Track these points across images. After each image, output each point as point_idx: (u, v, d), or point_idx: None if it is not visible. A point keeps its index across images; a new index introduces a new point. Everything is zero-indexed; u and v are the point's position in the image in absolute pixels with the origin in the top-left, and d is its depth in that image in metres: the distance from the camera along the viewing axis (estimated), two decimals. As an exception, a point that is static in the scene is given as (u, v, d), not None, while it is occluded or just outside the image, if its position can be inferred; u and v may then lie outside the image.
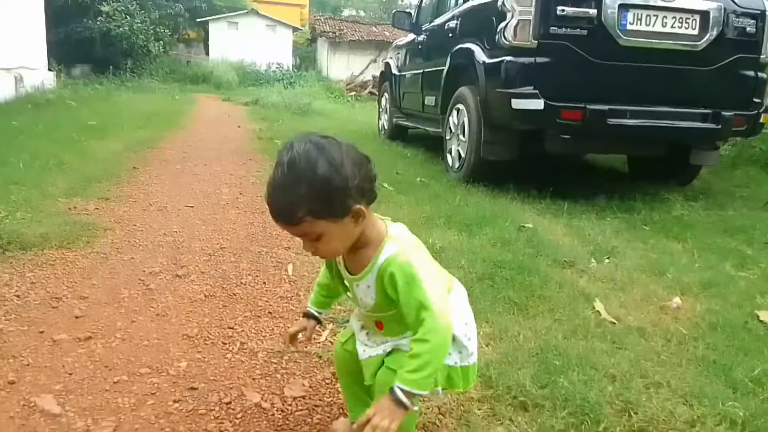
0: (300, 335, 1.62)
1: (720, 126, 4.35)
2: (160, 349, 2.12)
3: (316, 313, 1.63)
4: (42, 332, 2.18)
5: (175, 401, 1.79)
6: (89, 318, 2.32)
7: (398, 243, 1.34)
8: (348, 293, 1.50)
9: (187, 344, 2.16)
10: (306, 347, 2.09)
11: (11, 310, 2.33)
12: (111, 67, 20.58)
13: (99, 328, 2.24)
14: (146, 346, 2.13)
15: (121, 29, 21.05)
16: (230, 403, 1.80)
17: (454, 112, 5.34)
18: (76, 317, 2.31)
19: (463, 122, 5.07)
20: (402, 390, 1.23)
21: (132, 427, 1.66)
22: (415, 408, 1.28)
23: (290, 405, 1.80)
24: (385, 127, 8.28)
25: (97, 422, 1.67)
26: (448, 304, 1.34)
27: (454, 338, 1.38)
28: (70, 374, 1.91)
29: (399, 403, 1.23)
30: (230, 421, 1.71)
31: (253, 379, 1.95)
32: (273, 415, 1.75)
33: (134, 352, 2.08)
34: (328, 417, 1.76)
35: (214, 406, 1.78)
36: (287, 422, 1.71)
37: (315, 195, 1.22)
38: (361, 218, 1.29)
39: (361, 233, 1.33)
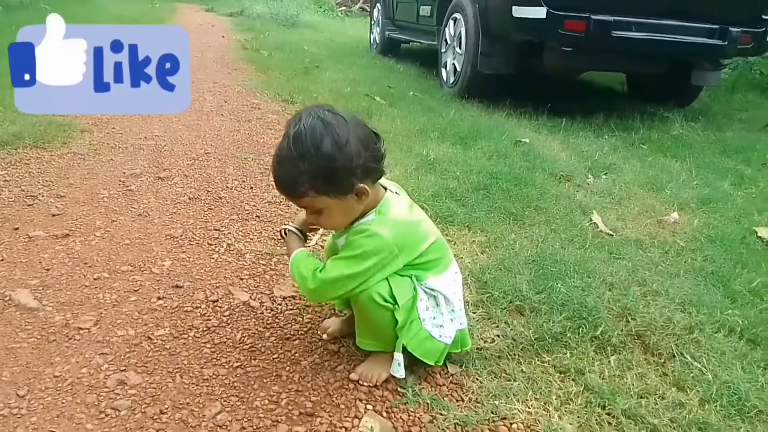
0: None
1: (726, 42, 4.16)
2: (143, 248, 2.02)
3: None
4: (17, 229, 2.07)
5: (159, 298, 1.72)
6: (66, 216, 2.21)
7: (381, 217, 1.32)
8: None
9: (171, 244, 2.07)
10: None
11: (-17, 206, 2.21)
12: (86, -30, 19.34)
13: (77, 226, 2.13)
14: (127, 244, 2.04)
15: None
16: (217, 301, 1.73)
17: (451, 23, 5.07)
18: (53, 215, 2.20)
19: (460, 33, 4.82)
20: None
21: (114, 321, 1.59)
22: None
23: (280, 304, 1.74)
24: (377, 41, 7.92)
25: (77, 317, 1.60)
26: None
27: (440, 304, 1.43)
28: (48, 270, 1.82)
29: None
30: (217, 318, 1.64)
31: (241, 279, 1.87)
32: (262, 313, 1.69)
33: (115, 250, 1.99)
34: (319, 317, 1.70)
35: (200, 304, 1.71)
36: (277, 320, 1.65)
37: (318, 172, 1.20)
38: (364, 196, 1.27)
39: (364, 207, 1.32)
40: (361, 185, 1.25)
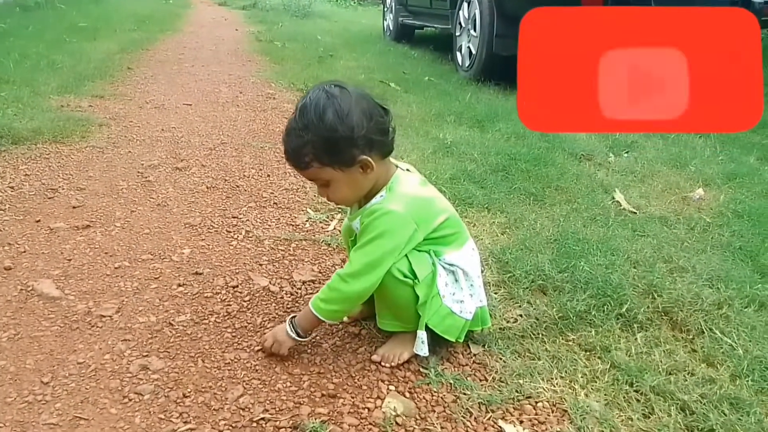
0: None
1: (749, 15, 4.04)
2: (162, 237, 2.03)
3: None
4: (38, 221, 2.09)
5: (179, 285, 1.73)
6: (87, 208, 2.22)
7: (391, 194, 1.31)
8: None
9: (190, 232, 2.07)
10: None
11: (5, 200, 2.24)
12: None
13: (97, 217, 2.15)
14: (147, 234, 2.05)
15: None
16: (237, 286, 1.73)
17: (465, 5, 5.01)
18: (74, 207, 2.22)
19: (475, 15, 4.76)
20: (301, 319, 1.36)
21: (135, 308, 1.60)
22: (305, 339, 1.40)
23: (299, 288, 1.73)
24: (391, 28, 7.86)
25: (99, 305, 1.61)
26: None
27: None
28: (69, 260, 1.84)
29: (290, 334, 1.37)
30: (237, 304, 1.64)
31: (260, 264, 1.87)
32: (282, 297, 1.68)
33: (135, 240, 1.99)
34: (339, 300, 1.69)
35: (221, 290, 1.71)
36: (297, 304, 1.65)
37: (320, 142, 1.23)
38: (369, 169, 1.27)
39: (373, 183, 1.32)
40: (364, 157, 1.25)
